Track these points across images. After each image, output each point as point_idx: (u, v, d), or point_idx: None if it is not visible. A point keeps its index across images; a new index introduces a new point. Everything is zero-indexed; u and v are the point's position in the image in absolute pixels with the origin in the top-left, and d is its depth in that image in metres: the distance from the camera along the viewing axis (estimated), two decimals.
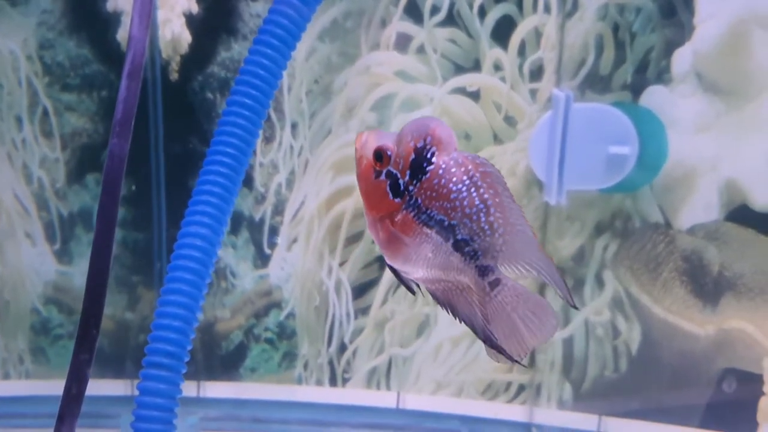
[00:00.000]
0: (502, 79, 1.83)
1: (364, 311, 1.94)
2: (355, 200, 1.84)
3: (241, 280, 1.96)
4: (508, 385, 1.91)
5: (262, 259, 1.97)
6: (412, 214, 0.77)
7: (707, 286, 1.78)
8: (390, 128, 1.83)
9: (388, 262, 0.81)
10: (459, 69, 1.87)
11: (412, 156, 0.77)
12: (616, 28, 1.80)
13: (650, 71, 1.80)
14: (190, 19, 1.88)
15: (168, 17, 1.84)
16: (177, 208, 1.44)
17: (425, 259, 0.78)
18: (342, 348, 1.93)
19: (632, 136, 1.73)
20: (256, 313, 1.98)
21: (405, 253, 0.79)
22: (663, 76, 1.78)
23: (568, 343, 1.87)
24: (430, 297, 1.48)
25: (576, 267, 1.87)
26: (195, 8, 1.87)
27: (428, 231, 0.77)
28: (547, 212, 1.85)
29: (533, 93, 1.84)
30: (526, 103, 1.84)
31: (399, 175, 0.77)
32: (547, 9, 1.78)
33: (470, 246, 0.76)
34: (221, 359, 1.99)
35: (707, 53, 1.72)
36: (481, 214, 0.75)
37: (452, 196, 0.76)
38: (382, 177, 0.78)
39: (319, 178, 1.89)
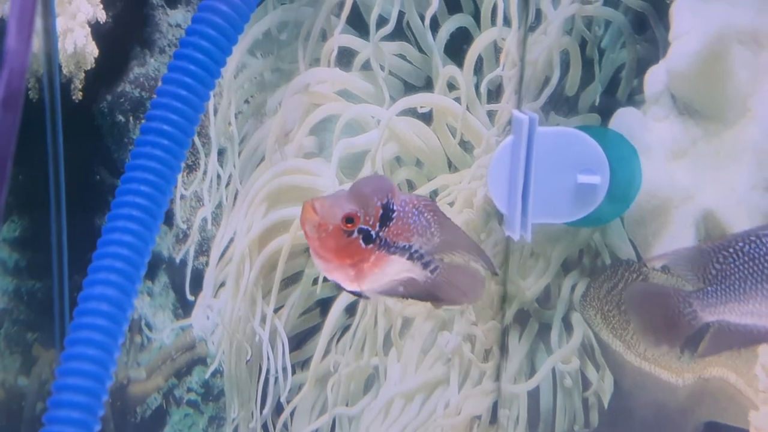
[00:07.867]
0: (457, 100, 1.64)
1: (303, 365, 1.71)
2: (292, 236, 1.62)
3: (159, 334, 1.76)
4: None
5: (183, 308, 1.76)
6: (383, 251, 1.08)
7: None
8: (331, 153, 1.63)
9: (352, 289, 1.10)
10: (409, 88, 1.69)
11: (381, 212, 1.06)
12: (583, 44, 1.64)
13: (620, 91, 1.65)
14: (97, 29, 1.63)
15: (69, 26, 1.59)
16: (82, 251, 1.27)
17: (387, 275, 1.09)
18: (278, 409, 1.69)
19: (603, 164, 1.56)
20: (177, 371, 1.77)
21: (372, 278, 1.08)
22: (634, 97, 1.63)
23: (534, 395, 1.68)
24: (377, 346, 1.68)
25: (541, 310, 1.69)
26: (102, 16, 1.63)
27: (393, 257, 1.08)
28: (509, 248, 1.66)
29: (491, 115, 1.66)
30: (484, 127, 1.66)
31: (370, 229, 1.06)
32: (507, 21, 1.59)
33: (419, 252, 1.09)
34: (136, 428, 1.75)
35: (683, 72, 1.56)
36: (426, 230, 1.08)
37: (411, 228, 1.08)
38: (355, 235, 1.06)
39: (251, 212, 1.66)
